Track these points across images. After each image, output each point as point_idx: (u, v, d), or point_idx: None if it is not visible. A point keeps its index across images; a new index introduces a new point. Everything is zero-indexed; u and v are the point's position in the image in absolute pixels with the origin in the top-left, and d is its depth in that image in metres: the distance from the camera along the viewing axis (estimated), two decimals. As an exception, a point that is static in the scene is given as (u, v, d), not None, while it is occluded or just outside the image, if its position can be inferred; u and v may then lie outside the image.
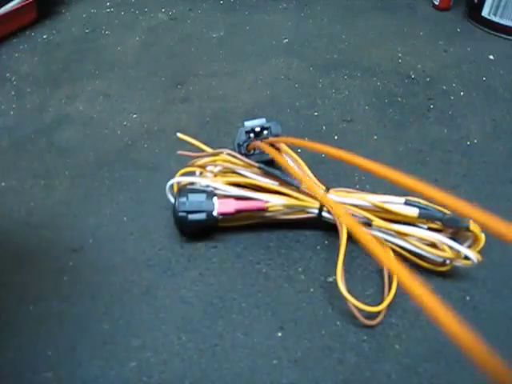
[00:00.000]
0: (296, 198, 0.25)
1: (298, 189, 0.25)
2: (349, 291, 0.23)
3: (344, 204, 0.25)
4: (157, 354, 0.23)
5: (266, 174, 0.26)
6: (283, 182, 0.26)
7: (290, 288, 0.25)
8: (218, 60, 0.43)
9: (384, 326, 0.23)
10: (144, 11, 0.50)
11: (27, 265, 0.27)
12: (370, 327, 0.23)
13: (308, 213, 0.25)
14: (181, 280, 0.26)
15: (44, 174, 0.33)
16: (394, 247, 0.25)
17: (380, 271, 0.25)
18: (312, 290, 0.25)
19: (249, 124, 0.29)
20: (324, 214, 0.25)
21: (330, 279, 0.25)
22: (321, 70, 0.41)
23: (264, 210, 0.25)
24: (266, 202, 0.25)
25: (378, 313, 0.23)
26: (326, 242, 0.27)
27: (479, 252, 0.23)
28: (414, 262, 0.25)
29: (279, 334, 0.23)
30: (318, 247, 0.27)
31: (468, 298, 0.24)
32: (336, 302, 0.24)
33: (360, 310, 0.23)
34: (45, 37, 0.47)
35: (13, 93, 0.40)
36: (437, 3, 0.49)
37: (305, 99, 0.38)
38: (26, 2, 0.45)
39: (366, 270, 0.25)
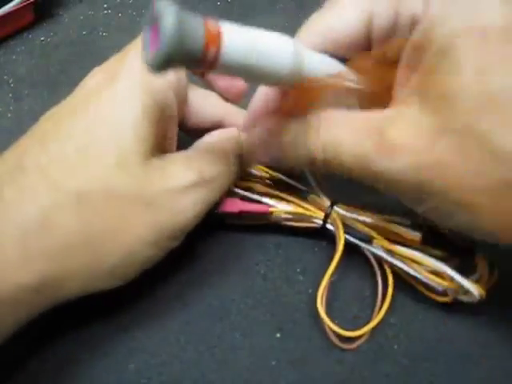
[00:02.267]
0: (301, 207, 0.25)
1: (305, 198, 0.25)
2: (327, 313, 0.22)
3: (347, 217, 0.24)
4: (155, 356, 0.23)
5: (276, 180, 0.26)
6: (292, 188, 0.25)
7: (288, 289, 0.25)
8: (215, 61, 0.43)
9: (383, 326, 0.23)
10: (141, 12, 0.50)
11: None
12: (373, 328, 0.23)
13: (312, 222, 0.25)
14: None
15: (42, 176, 0.33)
16: (394, 268, 0.24)
17: (373, 292, 0.24)
18: (310, 290, 0.25)
19: None
20: (328, 226, 0.25)
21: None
22: (318, 71, 0.41)
23: (267, 214, 0.25)
24: (271, 206, 0.25)
25: (359, 337, 0.22)
26: (325, 243, 0.27)
27: (485, 287, 0.22)
28: (413, 286, 0.23)
29: (278, 335, 0.23)
30: (316, 248, 0.27)
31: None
32: (334, 302, 0.24)
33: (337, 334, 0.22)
34: (42, 39, 0.47)
35: (10, 95, 0.40)
36: (434, 3, 0.49)
37: (303, 100, 0.38)
38: (24, 4, 0.45)
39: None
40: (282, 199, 0.25)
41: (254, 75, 0.17)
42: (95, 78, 0.22)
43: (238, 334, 0.23)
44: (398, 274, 0.24)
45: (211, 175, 0.21)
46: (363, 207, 0.25)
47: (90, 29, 0.48)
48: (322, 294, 0.22)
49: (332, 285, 0.24)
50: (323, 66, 0.20)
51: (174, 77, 0.22)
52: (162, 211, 0.20)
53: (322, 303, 0.22)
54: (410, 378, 0.21)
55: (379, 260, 0.24)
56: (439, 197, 0.17)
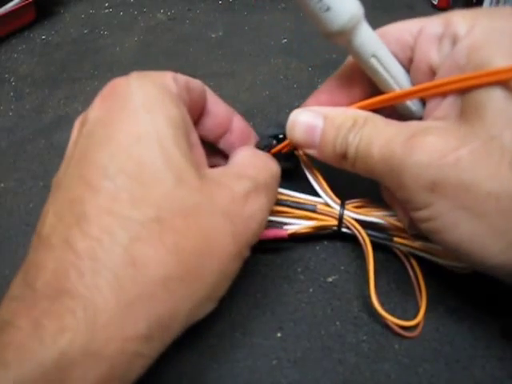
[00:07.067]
0: (314, 219, 0.25)
1: (314, 211, 0.25)
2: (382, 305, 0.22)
3: (362, 221, 0.24)
4: (156, 354, 0.23)
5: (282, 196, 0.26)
6: (298, 209, 0.25)
7: (289, 288, 0.25)
8: (216, 60, 0.43)
9: (383, 326, 0.23)
10: (143, 11, 0.50)
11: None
12: (373, 328, 0.23)
13: (327, 229, 0.25)
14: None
15: (43, 174, 0.33)
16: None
17: (407, 280, 0.24)
18: (311, 290, 0.25)
19: (273, 130, 0.28)
20: (343, 229, 0.25)
21: (330, 279, 0.25)
22: (319, 70, 0.41)
23: (285, 238, 0.25)
24: (287, 224, 0.25)
25: (417, 325, 0.23)
26: (326, 242, 0.27)
27: None
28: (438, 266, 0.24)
29: (278, 335, 0.23)
30: (318, 247, 0.27)
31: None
32: (335, 302, 0.24)
33: (398, 326, 0.22)
34: (43, 37, 0.47)
35: (12, 94, 0.40)
36: (435, 2, 0.49)
37: (304, 99, 0.37)
38: (25, 2, 0.45)
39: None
40: (294, 215, 0.25)
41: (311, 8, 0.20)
42: (94, 112, 0.20)
43: (238, 333, 0.23)
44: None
45: (265, 179, 0.21)
46: (371, 204, 0.25)
47: (91, 27, 0.48)
48: (374, 292, 0.23)
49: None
50: (374, 48, 0.22)
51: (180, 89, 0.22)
52: (235, 221, 0.19)
53: (377, 301, 0.22)
54: (410, 378, 0.21)
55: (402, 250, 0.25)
56: (449, 201, 0.18)
